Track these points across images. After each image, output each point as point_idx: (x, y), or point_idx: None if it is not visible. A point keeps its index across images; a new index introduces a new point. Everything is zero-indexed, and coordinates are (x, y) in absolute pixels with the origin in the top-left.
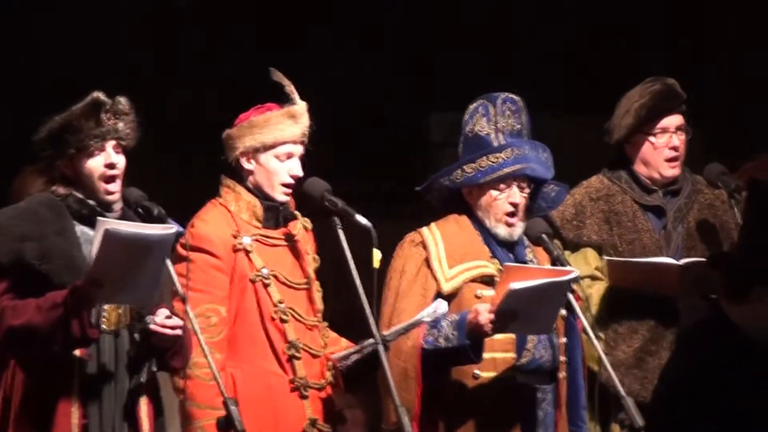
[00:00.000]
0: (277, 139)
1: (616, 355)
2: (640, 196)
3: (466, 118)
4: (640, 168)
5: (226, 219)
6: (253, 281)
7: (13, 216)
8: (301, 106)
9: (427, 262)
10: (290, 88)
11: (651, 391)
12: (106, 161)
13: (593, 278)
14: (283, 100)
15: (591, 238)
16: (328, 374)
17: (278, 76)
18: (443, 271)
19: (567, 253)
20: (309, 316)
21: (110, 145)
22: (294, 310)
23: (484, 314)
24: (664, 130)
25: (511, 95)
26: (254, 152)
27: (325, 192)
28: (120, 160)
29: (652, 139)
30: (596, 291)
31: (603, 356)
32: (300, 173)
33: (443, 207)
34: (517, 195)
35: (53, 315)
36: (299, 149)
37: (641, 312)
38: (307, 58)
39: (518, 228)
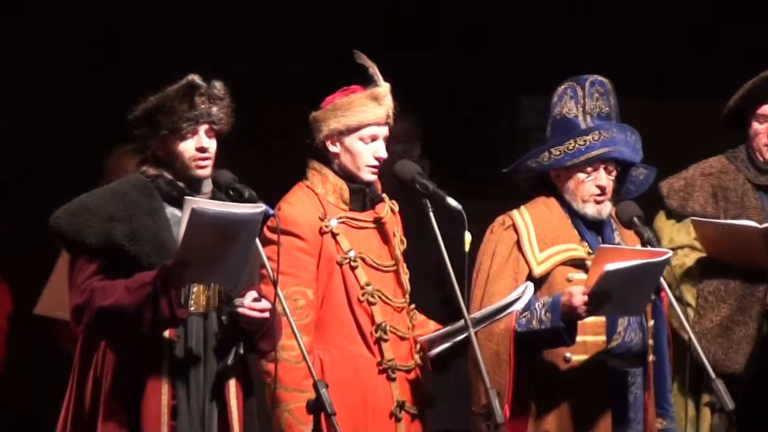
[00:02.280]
0: (361, 122)
1: (703, 324)
2: (754, 175)
3: (554, 100)
4: (752, 147)
5: (312, 201)
6: (340, 263)
7: (103, 197)
8: (384, 88)
9: (518, 244)
10: (374, 70)
11: (734, 361)
12: (197, 144)
13: (692, 248)
14: (367, 82)
15: (695, 209)
16: (416, 356)
17: (362, 59)
18: (534, 254)
19: (671, 222)
20: (396, 298)
21: (203, 128)
22: (381, 293)
23: (578, 296)
24: (765, 117)
25: (599, 78)
26: (339, 135)
27: (417, 174)
28: (211, 145)
29: (754, 122)
30: (691, 260)
31: (694, 338)
32: (385, 155)
33: (530, 189)
34: (604, 178)
35: (142, 295)
36: (384, 131)
37: (731, 282)
38: (394, 44)
39: (606, 207)
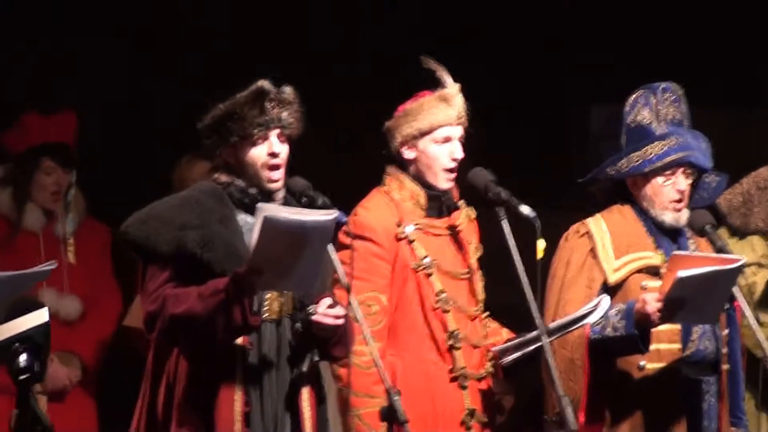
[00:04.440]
0: (432, 124)
1: None
2: None
3: (627, 108)
4: None
5: (389, 207)
6: (415, 270)
7: (175, 205)
8: (453, 89)
9: (593, 252)
10: (441, 73)
11: None
12: (269, 150)
13: (759, 265)
14: (437, 86)
15: (758, 226)
16: (488, 365)
17: (429, 63)
18: (609, 262)
19: (734, 240)
20: (470, 306)
21: (274, 134)
22: (455, 300)
23: (652, 303)
24: None
25: (670, 84)
26: (413, 140)
27: (489, 182)
28: (283, 150)
29: None
30: (761, 278)
31: (764, 343)
32: (460, 155)
33: (606, 198)
34: (682, 182)
35: (214, 303)
36: (457, 131)
37: None
38: (468, 50)
39: (684, 214)
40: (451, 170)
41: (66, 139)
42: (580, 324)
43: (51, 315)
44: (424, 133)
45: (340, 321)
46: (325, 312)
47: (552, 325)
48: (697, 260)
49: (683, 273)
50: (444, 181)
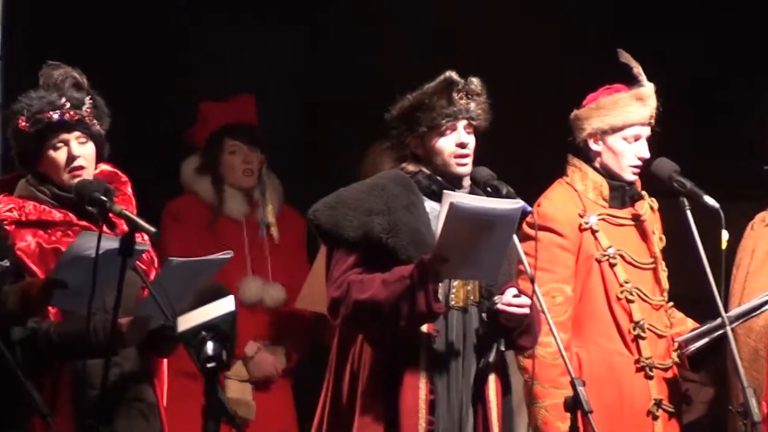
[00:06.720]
0: (625, 122)
1: None
2: None
3: None
4: None
5: (572, 198)
6: (599, 261)
7: (362, 191)
8: (648, 88)
9: None
10: (638, 70)
11: None
12: (456, 141)
13: None
14: (631, 81)
15: None
16: (674, 354)
17: (626, 58)
18: None
19: None
20: (655, 296)
21: (461, 124)
22: (640, 290)
23: None
24: None
25: None
26: (602, 134)
27: (674, 173)
28: (470, 140)
29: None
30: None
31: None
32: (647, 155)
33: None
34: None
35: (399, 289)
36: (647, 131)
37: None
38: (651, 35)
39: None
40: (636, 167)
41: (246, 119)
42: (761, 310)
43: (256, 303)
44: (615, 130)
45: (526, 311)
46: (509, 301)
47: (732, 312)
48: None
49: None
50: (629, 174)
